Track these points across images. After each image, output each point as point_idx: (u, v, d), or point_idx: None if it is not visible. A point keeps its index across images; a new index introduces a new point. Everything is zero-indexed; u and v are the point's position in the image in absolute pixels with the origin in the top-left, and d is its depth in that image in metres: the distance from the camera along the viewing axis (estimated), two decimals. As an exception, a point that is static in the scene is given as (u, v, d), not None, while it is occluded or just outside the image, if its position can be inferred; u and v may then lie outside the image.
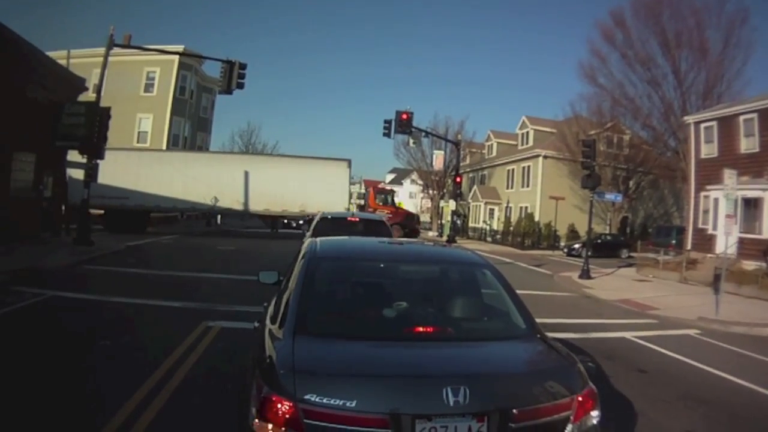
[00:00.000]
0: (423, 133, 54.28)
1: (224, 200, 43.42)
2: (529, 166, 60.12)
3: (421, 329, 5.03)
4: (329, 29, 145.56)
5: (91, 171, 26.93)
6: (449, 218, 56.19)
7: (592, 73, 50.35)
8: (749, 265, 26.18)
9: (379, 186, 53.96)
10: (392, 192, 52.90)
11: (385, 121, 42.15)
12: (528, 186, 60.03)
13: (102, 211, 43.37)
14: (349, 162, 46.38)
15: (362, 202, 67.93)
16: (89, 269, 20.21)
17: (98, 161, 27.32)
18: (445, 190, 71.91)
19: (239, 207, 44.09)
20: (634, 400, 8.66)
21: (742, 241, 27.58)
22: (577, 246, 45.26)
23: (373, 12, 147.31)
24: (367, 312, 5.30)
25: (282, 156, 47.54)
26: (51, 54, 30.19)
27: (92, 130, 25.88)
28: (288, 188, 42.84)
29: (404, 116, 40.45)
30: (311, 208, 40.99)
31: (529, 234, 54.57)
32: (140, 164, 42.89)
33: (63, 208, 30.32)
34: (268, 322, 5.24)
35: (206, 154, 52.69)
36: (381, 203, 48.25)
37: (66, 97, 27.47)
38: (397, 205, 49.55)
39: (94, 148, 26.65)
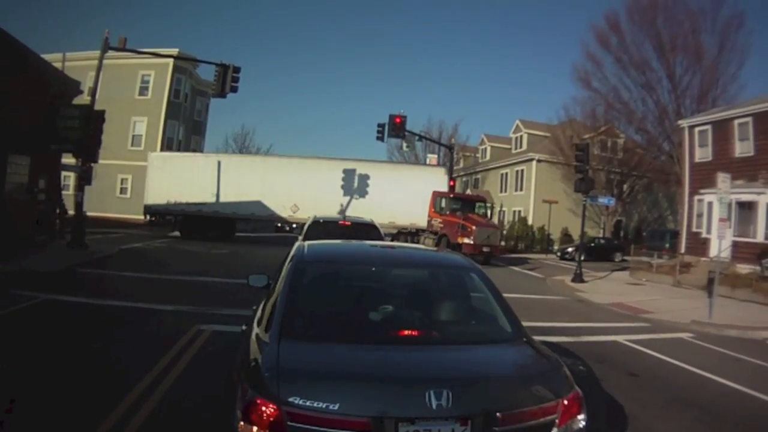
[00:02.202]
0: (416, 137, 53.85)
1: (305, 209, 38.36)
2: (522, 170, 60.17)
3: (406, 332, 5.06)
4: (322, 32, 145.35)
5: (85, 174, 26.91)
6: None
7: (586, 76, 50.59)
8: (743, 268, 26.26)
9: (442, 190, 40.14)
10: (455, 197, 39.27)
11: (379, 125, 41.41)
12: (521, 190, 60.08)
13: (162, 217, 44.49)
14: (447, 169, 43.26)
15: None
16: (83, 272, 20.18)
17: (92, 164, 27.36)
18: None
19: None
20: (625, 403, 8.66)
21: (736, 245, 27.60)
22: (570, 249, 45.24)
23: (366, 18, 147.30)
24: (353, 315, 5.32)
25: (368, 161, 43.42)
26: (46, 56, 30.14)
27: (87, 133, 25.86)
28: (375, 198, 39.12)
29: (397, 120, 39.91)
30: (402, 219, 39.46)
31: (522, 237, 54.64)
32: (216, 168, 42.12)
33: (58, 211, 30.27)
34: (255, 325, 5.25)
35: (285, 158, 47.85)
36: (435, 210, 38.65)
37: (61, 100, 27.41)
38: (460, 213, 36.45)
39: (89, 151, 26.64)
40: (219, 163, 42.51)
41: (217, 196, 41.16)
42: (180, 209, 41.94)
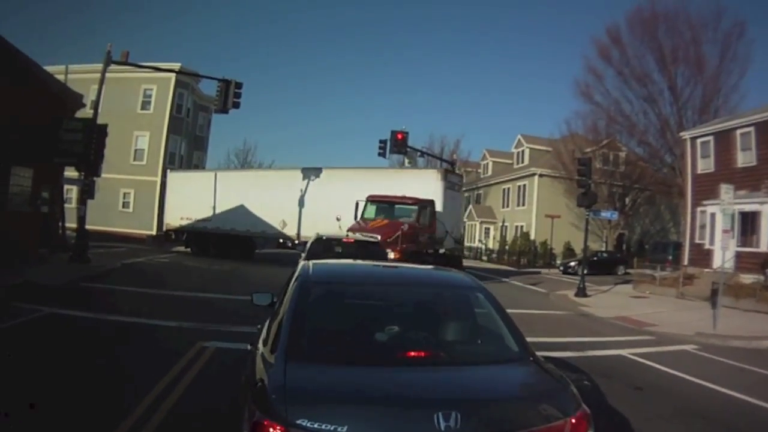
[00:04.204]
0: (418, 153, 53.69)
1: (293, 225, 37.38)
2: (524, 185, 60.27)
3: (413, 354, 5.02)
4: (324, 46, 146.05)
5: (87, 188, 26.88)
6: (445, 238, 55.92)
7: (587, 90, 50.62)
8: (747, 278, 26.20)
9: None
10: (374, 200, 31.04)
11: (381, 141, 41.14)
12: (524, 205, 60.14)
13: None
14: (445, 171, 36.22)
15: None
16: (86, 287, 20.22)
17: (95, 178, 27.34)
18: (440, 210, 71.73)
19: (308, 233, 31.26)
20: (631, 417, 8.61)
21: (739, 255, 27.57)
22: (573, 264, 45.11)
23: (369, 31, 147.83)
24: (360, 336, 5.30)
25: (356, 168, 39.17)
26: (49, 69, 30.14)
27: (89, 147, 25.86)
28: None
29: (399, 136, 39.71)
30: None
31: (524, 252, 54.59)
32: (219, 183, 42.02)
33: (60, 224, 30.28)
34: (260, 345, 5.24)
35: (269, 171, 48.16)
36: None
37: (64, 113, 27.44)
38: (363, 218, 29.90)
39: (91, 165, 26.64)
40: (215, 177, 43.01)
41: (214, 209, 41.22)
42: (191, 226, 42.31)
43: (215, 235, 41.17)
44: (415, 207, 30.07)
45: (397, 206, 30.34)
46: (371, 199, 30.62)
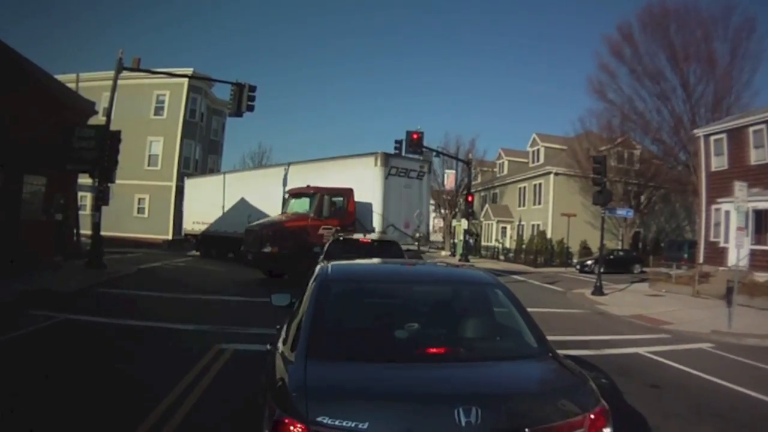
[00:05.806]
0: (434, 153, 53.56)
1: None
2: (540, 184, 60.19)
3: (433, 350, 5.04)
4: (339, 48, 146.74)
5: (102, 194, 26.97)
6: (462, 237, 56.02)
7: (601, 88, 50.38)
8: (761, 276, 26.03)
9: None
10: (290, 193, 30.89)
11: (396, 142, 41.09)
12: (540, 203, 60.05)
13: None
14: (385, 156, 29.89)
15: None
16: (102, 292, 20.24)
17: (109, 184, 27.40)
18: (456, 210, 71.82)
19: None
20: (648, 415, 8.61)
21: (753, 253, 27.41)
22: (589, 262, 44.76)
23: (384, 34, 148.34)
24: (379, 334, 5.33)
25: (312, 161, 35.48)
26: (60, 77, 30.30)
27: (103, 153, 25.99)
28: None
29: (415, 136, 39.74)
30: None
31: (541, 251, 54.35)
32: (220, 186, 42.34)
33: (75, 231, 30.40)
34: (280, 344, 5.28)
35: (252, 171, 48.21)
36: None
37: (76, 121, 27.57)
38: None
39: (105, 171, 26.77)
40: (224, 180, 43.13)
41: (223, 209, 41.28)
42: (200, 230, 42.88)
43: (213, 237, 41.51)
44: (315, 197, 27.89)
45: (303, 198, 28.83)
46: (290, 193, 30.23)
